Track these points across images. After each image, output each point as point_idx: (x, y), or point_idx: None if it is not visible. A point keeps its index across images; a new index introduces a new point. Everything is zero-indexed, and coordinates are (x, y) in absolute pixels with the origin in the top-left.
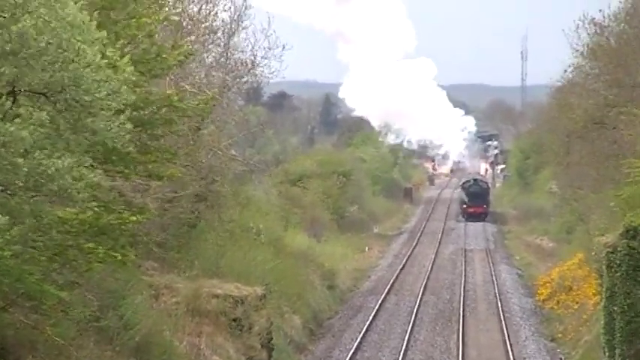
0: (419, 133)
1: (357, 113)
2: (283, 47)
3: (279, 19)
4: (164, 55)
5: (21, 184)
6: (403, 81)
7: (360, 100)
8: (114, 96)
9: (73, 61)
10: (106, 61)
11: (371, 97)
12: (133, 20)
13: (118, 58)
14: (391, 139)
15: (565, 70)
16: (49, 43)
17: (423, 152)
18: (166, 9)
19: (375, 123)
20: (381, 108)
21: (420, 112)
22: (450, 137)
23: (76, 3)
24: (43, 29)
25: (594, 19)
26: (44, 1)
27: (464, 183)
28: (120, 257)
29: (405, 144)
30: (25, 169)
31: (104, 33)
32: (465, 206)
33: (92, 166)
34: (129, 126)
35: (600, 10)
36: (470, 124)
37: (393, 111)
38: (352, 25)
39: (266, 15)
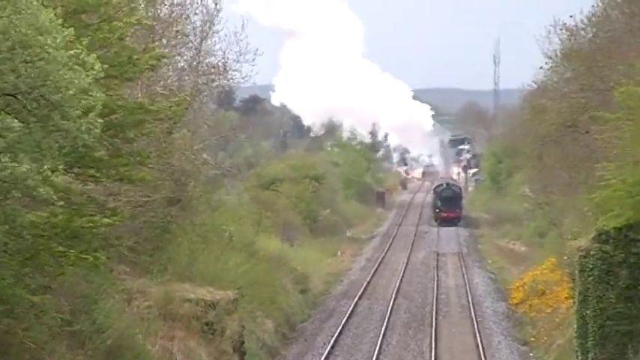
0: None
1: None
2: (255, 52)
3: (253, 23)
4: (136, 58)
5: None
6: (354, 79)
7: (298, 100)
8: (83, 95)
9: (40, 59)
10: (74, 58)
11: (312, 97)
12: (105, 24)
13: (86, 56)
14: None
15: (540, 68)
16: (16, 44)
17: (387, 155)
18: (138, 12)
19: (312, 121)
20: (326, 106)
21: (374, 106)
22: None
23: (41, 4)
24: (9, 31)
25: (566, 24)
26: (9, 3)
27: (436, 187)
28: (92, 260)
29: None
30: None
31: (71, 30)
32: (437, 211)
33: (65, 170)
34: (99, 123)
35: (571, 16)
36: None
37: (342, 108)
38: (301, 24)
39: (239, 19)
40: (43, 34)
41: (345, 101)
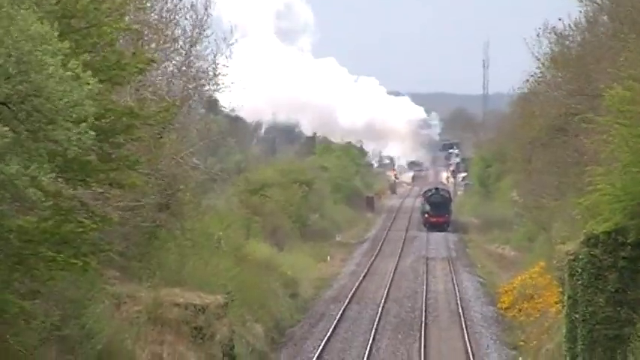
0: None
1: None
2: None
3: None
4: (125, 63)
5: None
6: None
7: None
8: (76, 107)
9: (34, 72)
10: (69, 72)
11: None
12: (94, 29)
13: (81, 71)
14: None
15: (527, 80)
16: (10, 55)
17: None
18: (127, 17)
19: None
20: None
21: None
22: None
23: (34, 12)
24: (4, 41)
25: (555, 27)
26: (4, 14)
27: (425, 192)
28: (81, 265)
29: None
30: None
31: (66, 44)
32: (426, 216)
33: (55, 175)
34: (90, 134)
35: (560, 19)
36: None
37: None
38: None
39: (228, 24)
40: (39, 46)
41: (300, 99)
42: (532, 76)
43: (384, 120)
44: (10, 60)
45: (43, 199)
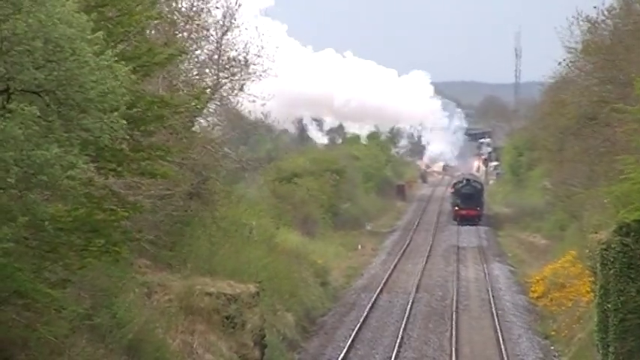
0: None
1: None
2: (277, 47)
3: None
4: (155, 52)
5: (12, 181)
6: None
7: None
8: (108, 96)
9: (67, 59)
10: (103, 62)
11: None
12: (125, 17)
13: (114, 62)
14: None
15: (559, 63)
16: (45, 41)
17: (415, 149)
18: (158, 5)
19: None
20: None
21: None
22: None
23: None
24: (36, 28)
25: (588, 16)
26: (38, 0)
27: (455, 183)
28: (112, 254)
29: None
30: (12, 162)
31: (100, 34)
32: (456, 209)
33: (88, 164)
34: (121, 123)
35: (595, 7)
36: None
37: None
38: None
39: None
40: (74, 34)
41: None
42: (564, 60)
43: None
44: (44, 47)
45: (77, 188)
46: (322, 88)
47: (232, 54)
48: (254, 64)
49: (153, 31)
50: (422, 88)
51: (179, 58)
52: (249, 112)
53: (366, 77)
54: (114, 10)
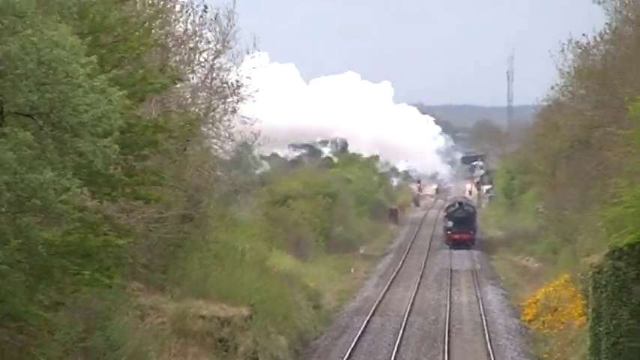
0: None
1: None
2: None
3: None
4: (150, 80)
5: (5, 205)
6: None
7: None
8: (102, 120)
9: (60, 82)
10: (97, 84)
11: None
12: (121, 44)
13: (107, 85)
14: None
15: (552, 87)
16: (40, 63)
17: (406, 174)
18: (153, 31)
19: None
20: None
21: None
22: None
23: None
24: (30, 51)
25: (578, 42)
26: (31, 23)
27: (448, 207)
28: (106, 280)
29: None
30: (5, 186)
31: (94, 58)
32: (449, 232)
33: (80, 188)
34: (115, 148)
35: (584, 34)
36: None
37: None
38: None
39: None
40: (68, 57)
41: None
42: (556, 85)
43: (407, 139)
44: (37, 69)
45: (71, 212)
46: (322, 120)
47: (224, 75)
48: (245, 87)
49: (147, 55)
50: (427, 128)
51: (175, 84)
52: (240, 132)
53: (364, 104)
54: (109, 36)
